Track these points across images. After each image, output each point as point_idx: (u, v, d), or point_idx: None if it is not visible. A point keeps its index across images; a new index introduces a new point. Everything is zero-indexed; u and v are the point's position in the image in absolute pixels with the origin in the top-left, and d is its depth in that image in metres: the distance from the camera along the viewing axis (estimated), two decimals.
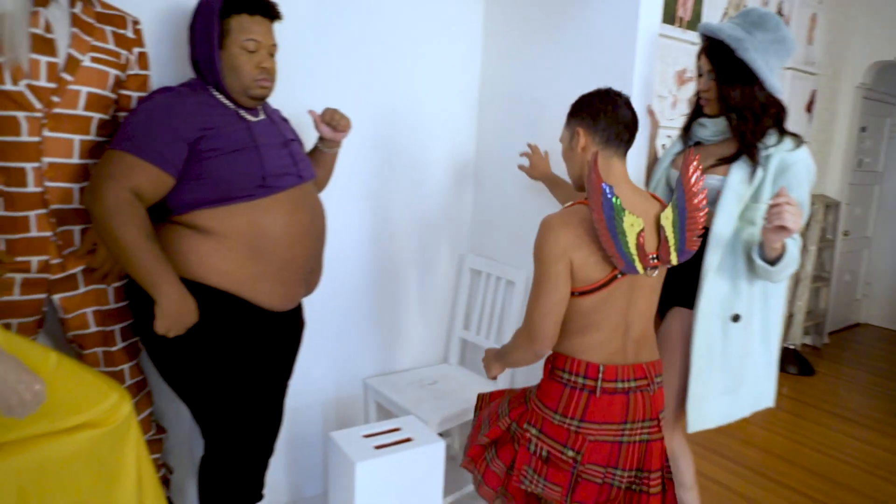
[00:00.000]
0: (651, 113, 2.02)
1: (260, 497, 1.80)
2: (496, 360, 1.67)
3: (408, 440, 1.94)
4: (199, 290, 1.53)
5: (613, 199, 1.39)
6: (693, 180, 1.49)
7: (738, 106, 1.73)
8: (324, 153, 1.91)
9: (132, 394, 1.70)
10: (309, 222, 1.69)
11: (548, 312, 1.44)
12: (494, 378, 1.73)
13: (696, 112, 1.89)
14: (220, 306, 1.56)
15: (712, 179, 1.76)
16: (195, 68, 1.64)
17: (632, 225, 1.41)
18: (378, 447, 1.89)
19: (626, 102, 1.51)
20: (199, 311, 1.53)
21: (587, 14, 2.08)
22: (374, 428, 1.99)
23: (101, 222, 1.42)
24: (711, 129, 1.82)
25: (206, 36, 1.56)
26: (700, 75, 1.82)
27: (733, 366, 1.82)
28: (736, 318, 1.78)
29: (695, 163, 1.49)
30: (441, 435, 2.32)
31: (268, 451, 1.79)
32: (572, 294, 1.46)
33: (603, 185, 1.39)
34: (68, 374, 1.31)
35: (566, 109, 1.57)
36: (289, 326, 1.76)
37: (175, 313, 1.47)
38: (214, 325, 1.56)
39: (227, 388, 1.62)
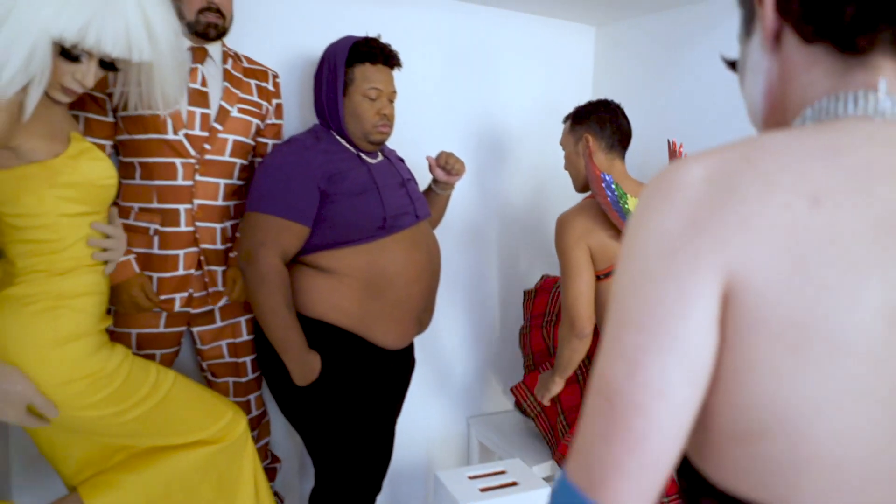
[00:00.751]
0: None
1: None
2: (551, 376, 1.79)
3: (513, 484, 1.93)
4: (318, 328, 1.60)
5: (614, 185, 1.58)
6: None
7: None
8: (437, 195, 1.96)
9: (254, 424, 1.79)
10: (425, 262, 1.73)
11: (578, 295, 1.62)
12: (548, 403, 1.87)
13: None
14: (338, 344, 1.62)
15: None
16: (319, 114, 1.72)
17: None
18: (483, 489, 1.88)
19: (624, 114, 1.75)
20: (317, 348, 1.59)
21: (702, 53, 2.07)
22: (479, 469, 1.99)
23: (251, 284, 1.51)
24: None
25: (331, 83, 1.65)
26: None
27: None
28: None
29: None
30: (546, 480, 2.29)
31: (375, 486, 1.82)
32: (598, 278, 1.64)
33: (601, 173, 1.59)
34: (187, 394, 1.41)
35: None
36: (401, 364, 1.80)
37: (300, 375, 1.55)
38: (331, 363, 1.61)
39: (341, 423, 1.67)
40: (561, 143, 1.81)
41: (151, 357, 1.59)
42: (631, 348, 0.48)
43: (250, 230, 1.53)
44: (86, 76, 1.19)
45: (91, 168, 1.22)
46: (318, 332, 1.59)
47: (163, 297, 1.56)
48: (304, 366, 1.55)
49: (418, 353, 2.12)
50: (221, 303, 1.67)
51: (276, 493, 1.95)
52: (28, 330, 1.20)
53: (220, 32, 1.57)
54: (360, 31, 1.86)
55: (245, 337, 1.75)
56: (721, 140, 0.74)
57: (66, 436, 1.35)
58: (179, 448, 1.40)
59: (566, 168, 1.82)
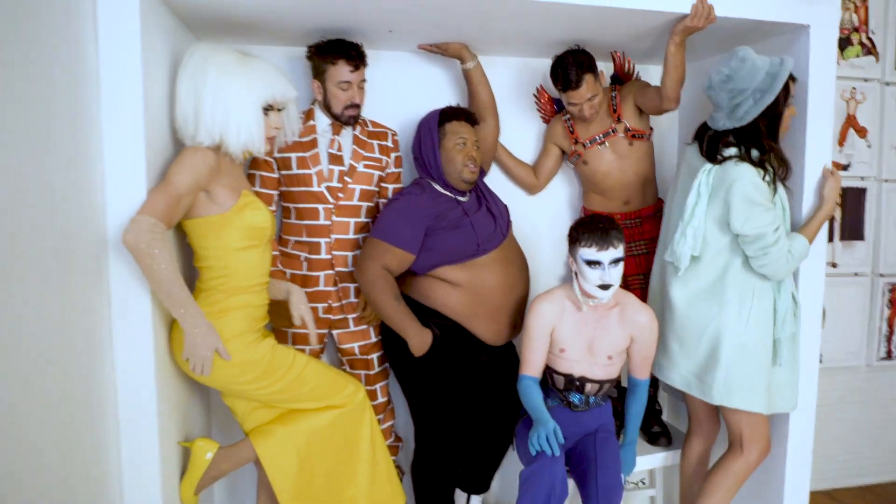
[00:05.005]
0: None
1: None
2: None
3: None
4: (438, 317, 2.14)
5: None
6: None
7: None
8: (468, 72, 2.31)
9: (380, 409, 2.30)
10: (517, 275, 2.21)
11: None
12: None
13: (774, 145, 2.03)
14: (449, 332, 2.14)
15: None
16: (421, 168, 2.23)
17: None
18: None
19: None
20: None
21: None
22: None
23: (364, 288, 2.07)
24: None
25: (429, 141, 2.17)
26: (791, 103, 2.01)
27: None
28: None
29: None
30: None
31: (471, 469, 2.30)
32: None
33: None
34: (316, 372, 1.95)
35: None
36: (501, 359, 2.26)
37: (418, 345, 2.07)
38: (443, 345, 2.13)
39: (442, 395, 2.16)
40: None
41: (302, 351, 2.16)
42: None
43: (364, 249, 2.09)
44: (278, 123, 1.81)
45: (252, 216, 1.81)
46: (437, 321, 2.13)
47: (311, 306, 2.14)
48: (420, 337, 2.06)
49: None
50: (353, 315, 2.22)
51: (398, 467, 2.44)
52: None
53: (356, 119, 2.13)
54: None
55: (373, 339, 2.28)
56: None
57: (237, 400, 1.95)
58: (314, 411, 1.95)
59: None
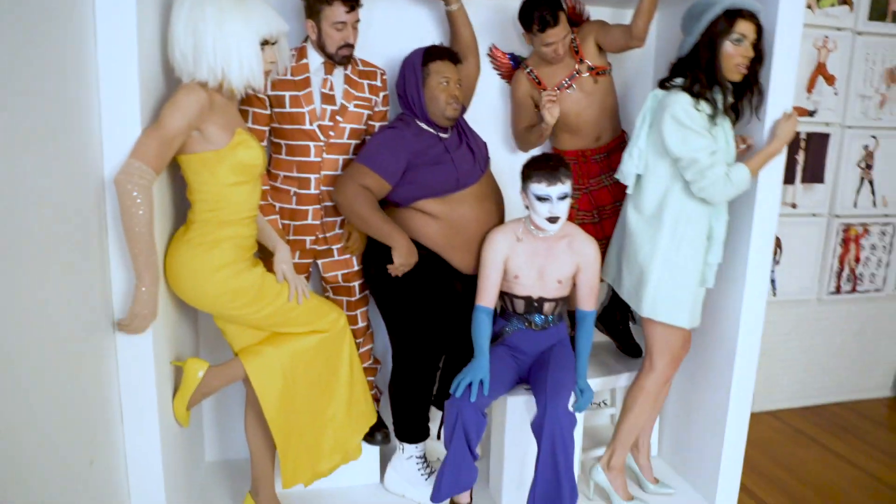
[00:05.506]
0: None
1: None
2: None
3: None
4: (418, 247, 2.27)
5: None
6: None
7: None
8: (450, 12, 2.39)
9: (360, 333, 2.47)
10: (493, 209, 2.36)
11: None
12: None
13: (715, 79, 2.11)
14: (427, 260, 2.29)
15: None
16: (404, 105, 2.32)
17: None
18: None
19: None
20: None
21: None
22: None
23: (344, 207, 2.18)
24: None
25: (413, 80, 2.25)
26: (740, 41, 2.07)
27: None
28: None
29: None
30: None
31: (440, 381, 2.52)
32: None
33: None
34: (306, 300, 2.09)
35: None
36: (473, 286, 2.38)
37: (406, 254, 2.19)
38: (421, 272, 2.28)
39: (417, 313, 2.33)
40: None
41: None
42: None
43: (346, 171, 2.21)
44: (273, 57, 1.89)
45: (246, 154, 1.90)
46: (417, 250, 2.26)
47: (297, 237, 2.27)
48: (408, 246, 2.20)
49: None
50: (338, 245, 2.35)
51: (375, 387, 2.64)
52: (196, 259, 1.89)
53: (349, 59, 2.19)
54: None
55: (355, 268, 2.42)
56: None
57: (228, 323, 2.10)
58: (299, 334, 2.11)
59: None
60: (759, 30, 2.09)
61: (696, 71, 2.10)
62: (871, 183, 3.40)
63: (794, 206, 3.30)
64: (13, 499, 1.32)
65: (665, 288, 2.19)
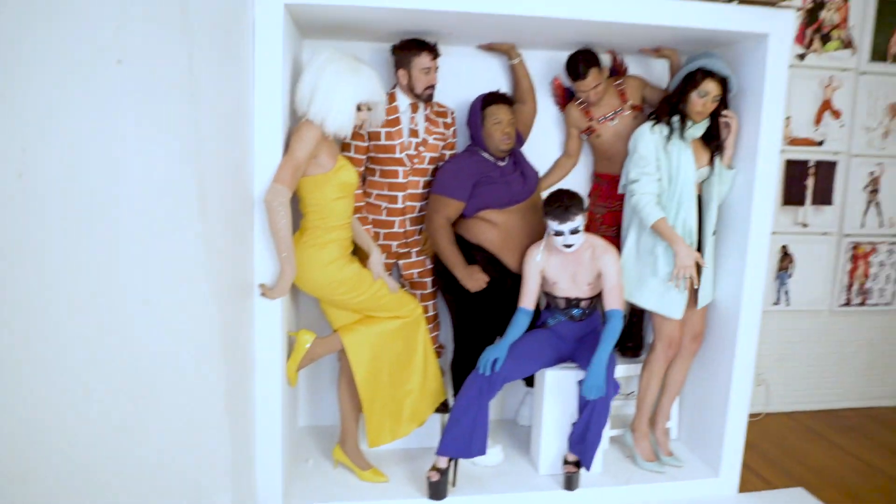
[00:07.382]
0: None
1: None
2: None
3: None
4: (479, 249, 2.84)
5: None
6: None
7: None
8: (513, 66, 2.98)
9: (430, 321, 3.04)
10: (538, 221, 2.89)
11: None
12: None
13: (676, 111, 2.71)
14: (486, 260, 2.85)
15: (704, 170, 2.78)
16: (472, 139, 2.89)
17: None
18: None
19: None
20: (474, 261, 2.83)
21: None
22: None
23: (432, 236, 2.79)
24: (700, 130, 2.71)
25: (475, 119, 2.83)
26: (704, 95, 2.63)
27: None
28: None
29: None
30: None
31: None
32: None
33: None
34: (388, 290, 2.66)
35: None
36: (520, 284, 2.88)
37: (462, 277, 2.77)
38: (482, 271, 2.83)
39: (476, 305, 2.87)
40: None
41: None
42: None
43: (430, 205, 2.81)
44: (363, 119, 2.46)
45: (346, 175, 2.49)
46: (479, 251, 2.83)
47: (386, 241, 2.88)
48: (468, 273, 2.77)
49: None
50: (416, 249, 2.96)
51: (441, 370, 3.19)
52: (313, 257, 2.45)
53: (432, 97, 2.80)
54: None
55: (428, 266, 3.02)
56: None
57: (330, 307, 2.68)
58: (385, 318, 2.69)
59: None
60: (725, 89, 2.67)
61: (663, 103, 2.73)
62: (878, 205, 3.82)
63: (804, 225, 3.75)
64: (169, 415, 1.91)
65: (631, 277, 2.83)
